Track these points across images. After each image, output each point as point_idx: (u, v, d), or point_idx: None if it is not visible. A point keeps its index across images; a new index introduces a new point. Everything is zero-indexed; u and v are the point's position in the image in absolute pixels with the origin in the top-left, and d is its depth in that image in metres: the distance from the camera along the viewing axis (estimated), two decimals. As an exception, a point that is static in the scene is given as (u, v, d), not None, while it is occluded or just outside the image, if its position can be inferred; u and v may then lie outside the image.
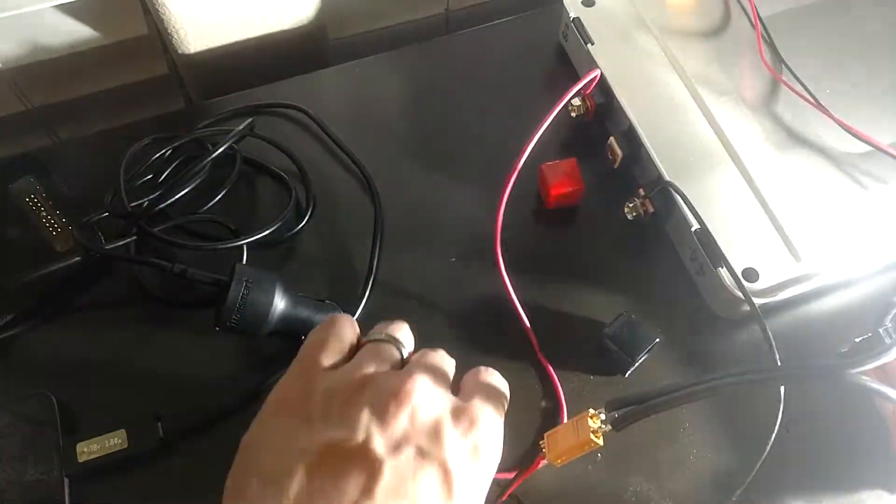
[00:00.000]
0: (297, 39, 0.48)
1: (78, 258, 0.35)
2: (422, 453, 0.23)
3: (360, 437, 0.22)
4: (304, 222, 0.38)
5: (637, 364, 0.33)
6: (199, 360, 0.35)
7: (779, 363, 0.30)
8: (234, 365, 0.35)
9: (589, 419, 0.27)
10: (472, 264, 0.37)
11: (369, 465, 0.22)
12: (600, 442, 0.27)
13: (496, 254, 0.35)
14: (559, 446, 0.28)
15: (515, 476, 0.30)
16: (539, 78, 0.44)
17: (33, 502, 0.31)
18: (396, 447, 0.23)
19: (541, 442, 0.29)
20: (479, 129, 0.42)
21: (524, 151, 0.36)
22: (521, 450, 0.31)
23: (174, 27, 0.43)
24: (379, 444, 0.23)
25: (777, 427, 0.29)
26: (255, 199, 0.40)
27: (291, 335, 0.34)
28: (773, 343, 0.30)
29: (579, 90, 0.38)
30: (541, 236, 0.38)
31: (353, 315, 0.35)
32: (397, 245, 0.38)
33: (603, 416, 0.27)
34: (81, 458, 0.32)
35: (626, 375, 0.34)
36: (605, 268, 0.37)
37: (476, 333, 0.35)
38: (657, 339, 0.33)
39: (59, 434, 0.32)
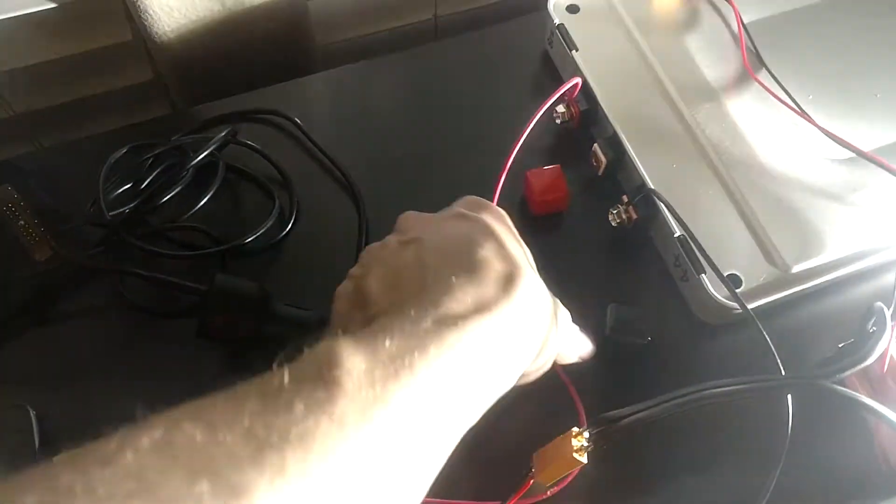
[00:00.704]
0: (284, 45, 0.48)
1: (57, 267, 0.35)
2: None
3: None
4: (287, 229, 0.38)
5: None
6: (182, 369, 0.34)
7: (779, 365, 0.30)
8: (217, 374, 0.34)
9: (573, 438, 0.27)
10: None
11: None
12: (583, 460, 0.27)
13: None
14: (546, 466, 0.28)
15: (508, 497, 0.30)
16: (526, 84, 0.44)
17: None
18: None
19: (531, 463, 0.29)
20: (465, 135, 0.42)
21: (509, 157, 0.36)
22: (516, 466, 0.31)
23: (157, 33, 0.43)
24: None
25: (787, 445, 0.28)
26: (238, 207, 0.39)
27: (274, 343, 0.34)
28: (772, 345, 0.30)
29: (561, 96, 0.38)
30: (526, 242, 0.37)
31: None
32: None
33: (587, 434, 0.27)
34: (59, 471, 0.31)
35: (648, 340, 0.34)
36: (591, 274, 0.37)
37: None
38: (649, 339, 0.33)
39: (36, 447, 0.32)
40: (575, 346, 0.31)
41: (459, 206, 0.28)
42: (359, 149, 0.41)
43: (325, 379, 0.19)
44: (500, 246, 0.25)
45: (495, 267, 0.24)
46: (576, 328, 0.31)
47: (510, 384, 0.24)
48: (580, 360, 0.31)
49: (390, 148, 0.41)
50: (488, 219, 0.26)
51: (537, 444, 0.30)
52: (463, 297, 0.22)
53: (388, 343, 0.20)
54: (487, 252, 0.24)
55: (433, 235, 0.26)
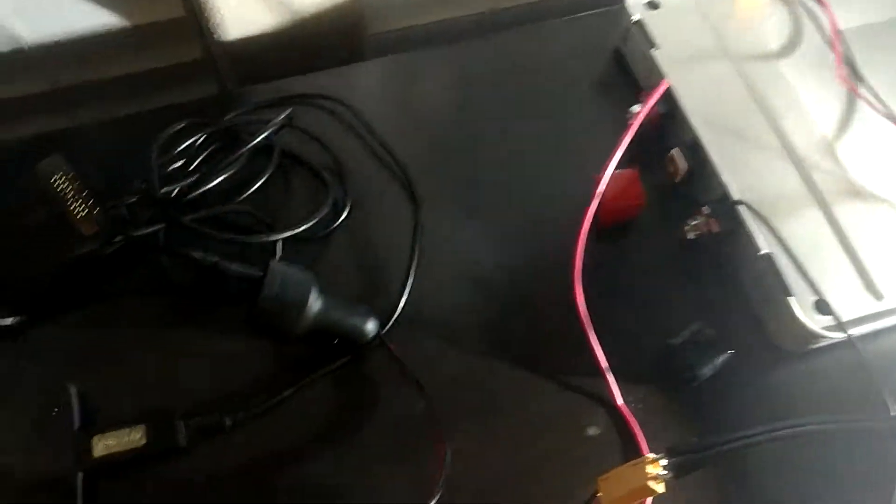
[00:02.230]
0: (335, 30, 0.47)
1: (103, 244, 0.33)
2: None
3: None
4: (339, 221, 0.36)
5: (704, 375, 0.31)
6: (226, 358, 0.33)
7: (889, 406, 0.27)
8: (261, 366, 0.33)
9: (647, 465, 0.25)
10: (518, 274, 0.35)
11: None
12: (659, 489, 0.25)
13: (573, 279, 0.33)
14: (615, 492, 0.26)
15: None
16: (593, 83, 0.41)
17: (46, 495, 0.29)
18: None
19: (597, 487, 0.27)
20: (528, 133, 0.40)
21: (600, 179, 0.33)
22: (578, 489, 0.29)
23: (213, 11, 0.42)
24: None
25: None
26: (288, 194, 0.38)
27: (323, 337, 0.32)
28: (879, 379, 0.28)
29: (637, 97, 0.36)
30: (589, 251, 0.35)
31: (388, 322, 0.33)
32: (437, 249, 0.36)
33: (664, 462, 0.25)
34: (97, 453, 0.30)
35: (695, 384, 0.31)
36: (656, 291, 0.35)
37: (525, 349, 0.33)
38: (731, 351, 0.31)
39: (75, 426, 0.30)
40: None
41: None
42: (413, 141, 0.39)
43: None
44: None
45: None
46: None
47: None
48: None
49: (447, 141, 0.39)
50: None
51: (595, 468, 0.28)
52: None
53: None
54: None
55: None
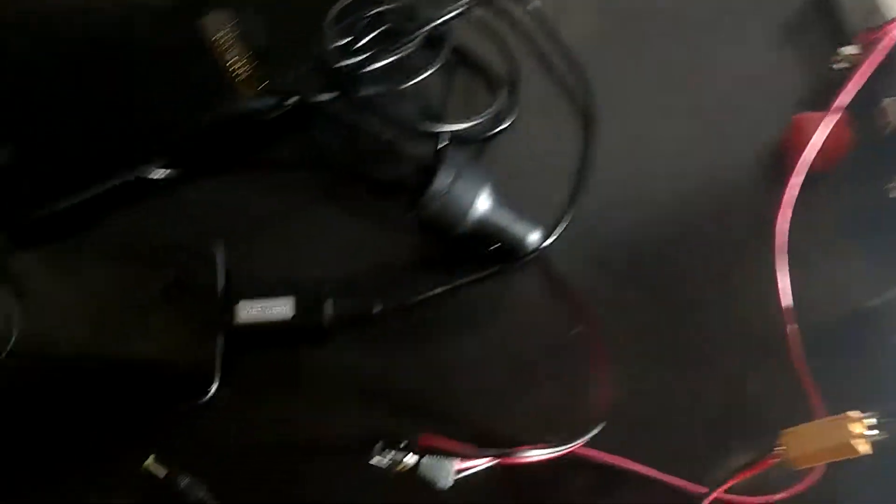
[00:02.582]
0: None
1: (275, 104, 0.32)
2: None
3: None
4: (504, 125, 0.34)
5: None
6: (375, 246, 0.31)
7: None
8: (410, 260, 0.32)
9: (851, 423, 0.23)
10: (697, 204, 0.32)
11: None
12: (863, 450, 0.23)
13: (775, 219, 0.30)
14: (806, 447, 0.24)
15: (736, 472, 0.26)
16: (788, 18, 0.37)
17: (184, 356, 0.29)
18: None
19: (779, 441, 0.25)
20: (714, 61, 0.36)
21: (825, 119, 0.30)
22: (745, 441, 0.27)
23: None
24: None
25: None
26: (449, 89, 0.35)
27: (481, 242, 0.31)
28: None
29: (855, 37, 0.32)
30: (772, 201, 0.32)
31: (547, 238, 0.31)
32: (610, 170, 0.33)
33: (871, 422, 0.23)
34: (239, 320, 0.29)
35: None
36: (848, 248, 0.32)
37: (699, 287, 0.31)
38: None
39: (219, 289, 0.29)
40: None
41: None
42: (595, 54, 0.35)
43: None
44: None
45: None
46: None
47: None
48: None
49: (631, 60, 0.36)
50: None
51: (764, 424, 0.26)
52: None
53: None
54: None
55: None
